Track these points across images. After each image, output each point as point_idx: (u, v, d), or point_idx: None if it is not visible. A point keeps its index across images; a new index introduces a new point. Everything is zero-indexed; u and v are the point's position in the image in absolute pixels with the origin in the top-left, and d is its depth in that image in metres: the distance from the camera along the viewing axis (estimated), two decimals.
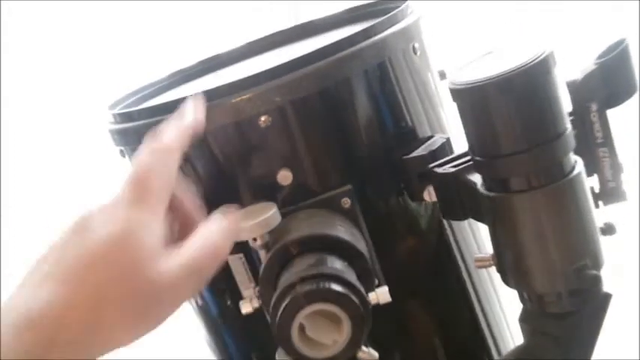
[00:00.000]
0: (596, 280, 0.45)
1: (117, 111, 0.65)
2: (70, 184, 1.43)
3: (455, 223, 0.66)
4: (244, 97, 0.57)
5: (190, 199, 0.52)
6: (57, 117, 1.41)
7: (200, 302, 0.70)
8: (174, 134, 0.49)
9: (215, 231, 0.48)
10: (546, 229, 0.46)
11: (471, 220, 0.64)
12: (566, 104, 0.58)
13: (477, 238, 0.69)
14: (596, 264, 0.47)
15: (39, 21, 1.37)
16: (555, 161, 0.45)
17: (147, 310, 0.44)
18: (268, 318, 0.57)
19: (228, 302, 0.67)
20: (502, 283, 0.54)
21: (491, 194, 0.47)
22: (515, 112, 0.43)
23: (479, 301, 0.67)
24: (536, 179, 0.45)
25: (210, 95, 0.57)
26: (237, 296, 0.61)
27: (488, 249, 0.57)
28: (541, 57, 0.42)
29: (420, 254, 0.65)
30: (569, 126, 0.46)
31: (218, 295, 0.68)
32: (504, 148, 0.45)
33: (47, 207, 1.44)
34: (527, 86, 0.42)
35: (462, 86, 0.44)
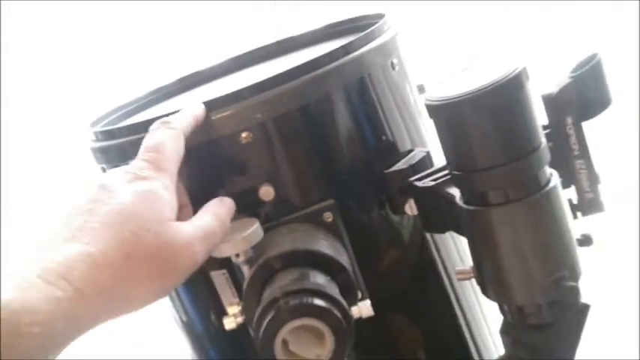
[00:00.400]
0: (574, 292, 0.46)
1: (98, 129, 0.65)
2: (69, 184, 1.43)
3: (437, 236, 0.67)
4: (225, 113, 0.57)
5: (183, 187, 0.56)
6: (57, 116, 1.40)
7: (185, 319, 0.70)
8: (183, 119, 0.54)
9: (219, 204, 0.53)
10: (524, 241, 0.46)
11: (453, 232, 0.65)
12: (542, 117, 0.60)
13: (459, 249, 0.69)
14: (574, 275, 0.48)
15: (39, 21, 1.37)
16: (531, 175, 0.46)
17: (168, 266, 0.46)
18: (252, 333, 0.58)
19: (213, 318, 0.67)
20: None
21: (470, 208, 0.48)
22: (490, 128, 0.44)
23: (462, 311, 0.68)
24: (513, 193, 0.46)
25: None
26: (222, 312, 0.61)
27: (471, 261, 0.58)
28: (513, 74, 0.43)
29: (403, 266, 0.65)
30: (543, 140, 0.47)
31: (202, 311, 0.68)
32: (480, 162, 0.45)
33: (47, 207, 1.43)
34: (500, 102, 0.43)
35: (437, 102, 0.45)
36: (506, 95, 0.43)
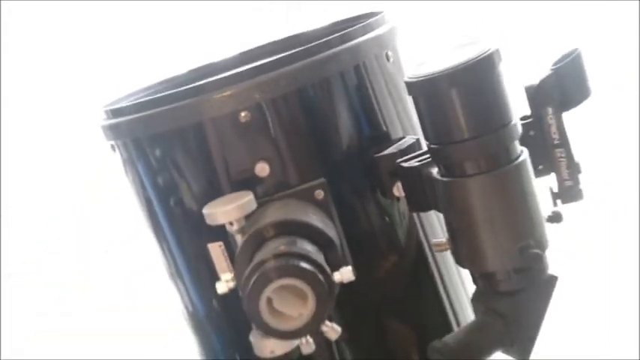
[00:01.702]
0: (539, 259, 0.49)
1: (108, 107, 0.70)
2: (69, 184, 1.47)
3: (423, 215, 0.70)
4: (225, 93, 0.62)
5: None
6: (56, 116, 1.45)
7: (188, 305, 0.74)
8: None
9: None
10: (494, 210, 0.50)
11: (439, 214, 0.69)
12: (523, 107, 0.63)
13: (442, 226, 0.73)
14: (540, 244, 0.51)
15: (39, 21, 1.41)
16: (501, 148, 0.49)
17: None
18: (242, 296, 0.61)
19: (214, 302, 0.71)
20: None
21: (445, 179, 0.52)
22: (464, 103, 0.48)
23: (442, 280, 0.71)
24: (485, 164, 0.49)
25: (194, 91, 0.62)
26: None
27: None
28: (486, 53, 0.47)
29: (390, 244, 0.69)
30: (514, 117, 0.50)
31: (204, 293, 0.72)
32: (455, 135, 0.49)
33: (47, 207, 1.48)
34: (473, 79, 0.47)
35: (415, 79, 0.48)
36: (480, 73, 0.47)
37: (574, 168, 0.64)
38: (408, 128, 0.72)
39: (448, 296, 0.73)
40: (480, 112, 0.48)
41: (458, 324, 0.70)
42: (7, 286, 1.46)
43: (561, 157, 0.64)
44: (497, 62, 0.48)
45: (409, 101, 0.73)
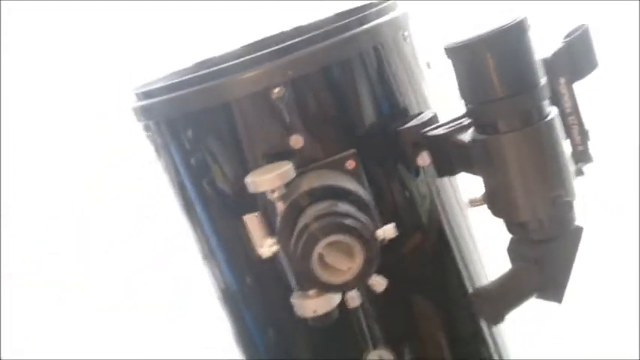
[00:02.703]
0: (570, 207, 0.54)
1: (141, 89, 0.73)
2: (69, 184, 1.48)
3: (441, 187, 0.75)
4: (260, 70, 0.65)
5: None
6: (57, 116, 1.45)
7: (222, 283, 0.77)
8: None
9: None
10: (527, 164, 0.54)
11: (453, 184, 0.73)
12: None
13: (457, 197, 0.77)
14: (570, 194, 0.55)
15: (39, 21, 1.42)
16: (534, 106, 0.54)
17: None
18: (285, 263, 0.65)
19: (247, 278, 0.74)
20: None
21: (483, 137, 0.56)
22: (500, 64, 0.52)
23: (457, 244, 0.75)
24: (519, 122, 0.54)
25: (231, 69, 0.65)
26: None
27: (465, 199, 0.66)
28: (518, 19, 0.51)
29: (411, 212, 0.73)
30: (543, 78, 0.55)
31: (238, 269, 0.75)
32: (492, 94, 0.53)
33: (47, 207, 1.48)
34: (508, 42, 0.51)
35: (456, 45, 0.53)
36: (513, 36, 0.51)
37: (584, 134, 0.69)
38: (423, 104, 0.77)
39: (467, 269, 0.77)
40: (515, 72, 0.53)
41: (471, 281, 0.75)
42: (7, 286, 1.45)
43: (573, 124, 0.69)
44: (527, 27, 0.53)
45: (424, 80, 0.79)
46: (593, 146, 0.71)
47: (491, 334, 0.79)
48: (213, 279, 0.78)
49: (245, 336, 0.80)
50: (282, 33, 0.88)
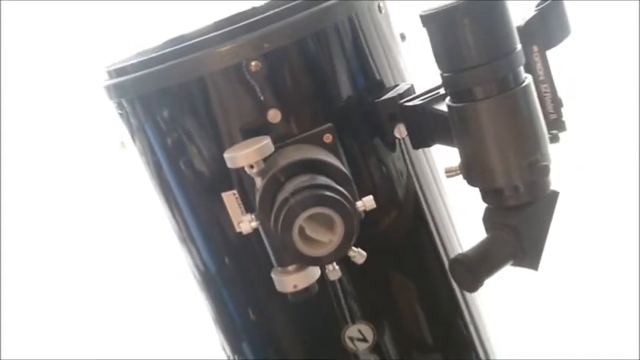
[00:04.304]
0: (546, 170, 0.54)
1: (113, 67, 0.71)
2: (69, 184, 1.46)
3: (416, 163, 0.75)
4: (237, 43, 0.64)
5: None
6: (56, 116, 1.43)
7: (200, 265, 0.76)
8: None
9: None
10: (504, 130, 0.55)
11: (428, 157, 0.73)
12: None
13: (433, 171, 0.78)
14: (546, 158, 0.56)
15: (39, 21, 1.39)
16: (509, 72, 0.54)
17: None
18: (265, 239, 0.65)
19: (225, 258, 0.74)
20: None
21: (459, 104, 0.56)
22: (476, 31, 0.52)
23: (432, 216, 0.76)
24: (496, 87, 0.54)
25: (206, 43, 0.64)
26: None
27: (442, 178, 0.66)
28: None
29: (388, 185, 0.73)
30: (519, 45, 0.55)
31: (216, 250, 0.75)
32: (468, 61, 0.53)
33: (47, 207, 1.46)
34: (484, 8, 0.51)
35: (432, 11, 0.53)
36: (489, 1, 0.51)
37: (557, 102, 0.70)
38: (399, 77, 0.77)
39: (443, 244, 0.78)
40: (491, 39, 0.53)
41: (445, 250, 0.76)
42: (7, 286, 1.44)
43: (546, 92, 0.69)
44: None
45: (399, 53, 0.78)
46: (567, 115, 0.71)
47: (468, 306, 0.80)
48: (191, 261, 0.78)
49: (224, 316, 0.80)
50: (254, 8, 0.87)
